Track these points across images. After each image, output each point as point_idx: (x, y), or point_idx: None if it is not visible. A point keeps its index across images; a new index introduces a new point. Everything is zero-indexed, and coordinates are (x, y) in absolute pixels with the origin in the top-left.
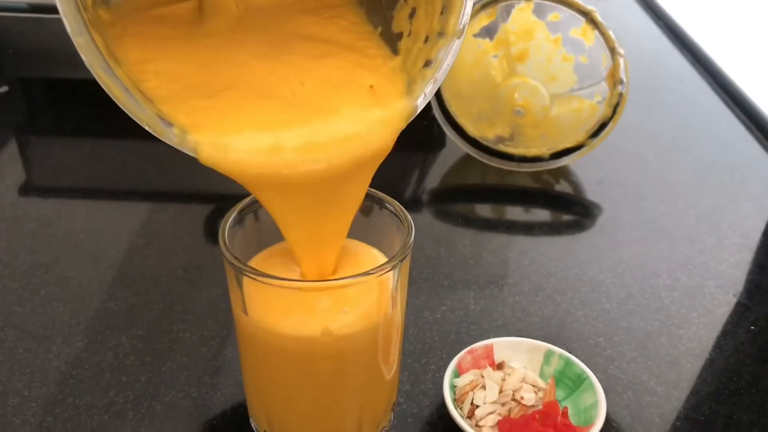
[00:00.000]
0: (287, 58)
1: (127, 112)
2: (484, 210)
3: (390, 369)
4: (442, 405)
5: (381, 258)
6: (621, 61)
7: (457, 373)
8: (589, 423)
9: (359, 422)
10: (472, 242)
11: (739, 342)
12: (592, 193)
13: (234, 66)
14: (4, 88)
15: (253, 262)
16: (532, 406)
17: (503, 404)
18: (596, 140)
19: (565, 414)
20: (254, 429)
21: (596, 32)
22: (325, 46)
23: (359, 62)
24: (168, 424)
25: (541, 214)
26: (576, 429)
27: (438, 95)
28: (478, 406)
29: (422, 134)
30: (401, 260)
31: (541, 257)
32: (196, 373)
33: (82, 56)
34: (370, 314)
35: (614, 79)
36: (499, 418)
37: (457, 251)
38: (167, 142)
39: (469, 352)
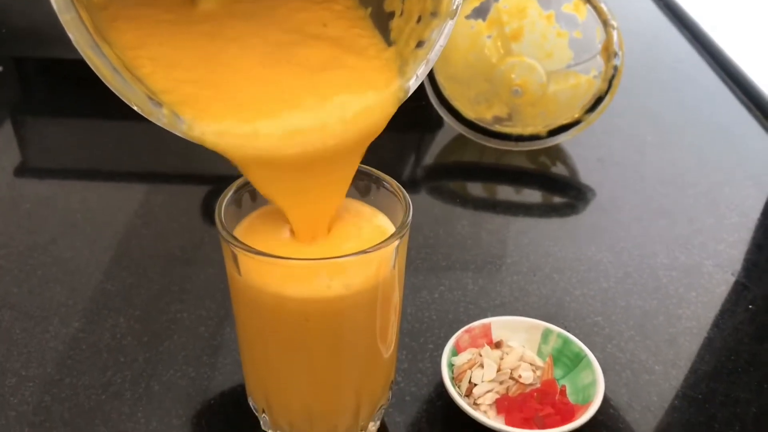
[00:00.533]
0: (284, 60)
1: (114, 91)
2: (483, 190)
3: (388, 347)
4: (440, 384)
5: (380, 217)
6: (614, 33)
7: (455, 352)
8: (587, 401)
9: (357, 401)
10: (471, 222)
11: (737, 321)
12: (590, 173)
13: (231, 64)
14: None
15: (242, 226)
16: (530, 384)
17: (501, 383)
18: (593, 115)
19: (563, 392)
20: (252, 408)
21: (588, 6)
22: (320, 43)
23: (355, 65)
24: (166, 403)
25: (539, 195)
26: (574, 407)
27: (432, 79)
28: (476, 385)
29: (420, 114)
30: (400, 238)
31: (539, 237)
32: (194, 352)
33: (69, 34)
34: (368, 286)
35: (608, 52)
36: (497, 396)
37: (456, 231)
38: (156, 123)
39: (466, 331)
